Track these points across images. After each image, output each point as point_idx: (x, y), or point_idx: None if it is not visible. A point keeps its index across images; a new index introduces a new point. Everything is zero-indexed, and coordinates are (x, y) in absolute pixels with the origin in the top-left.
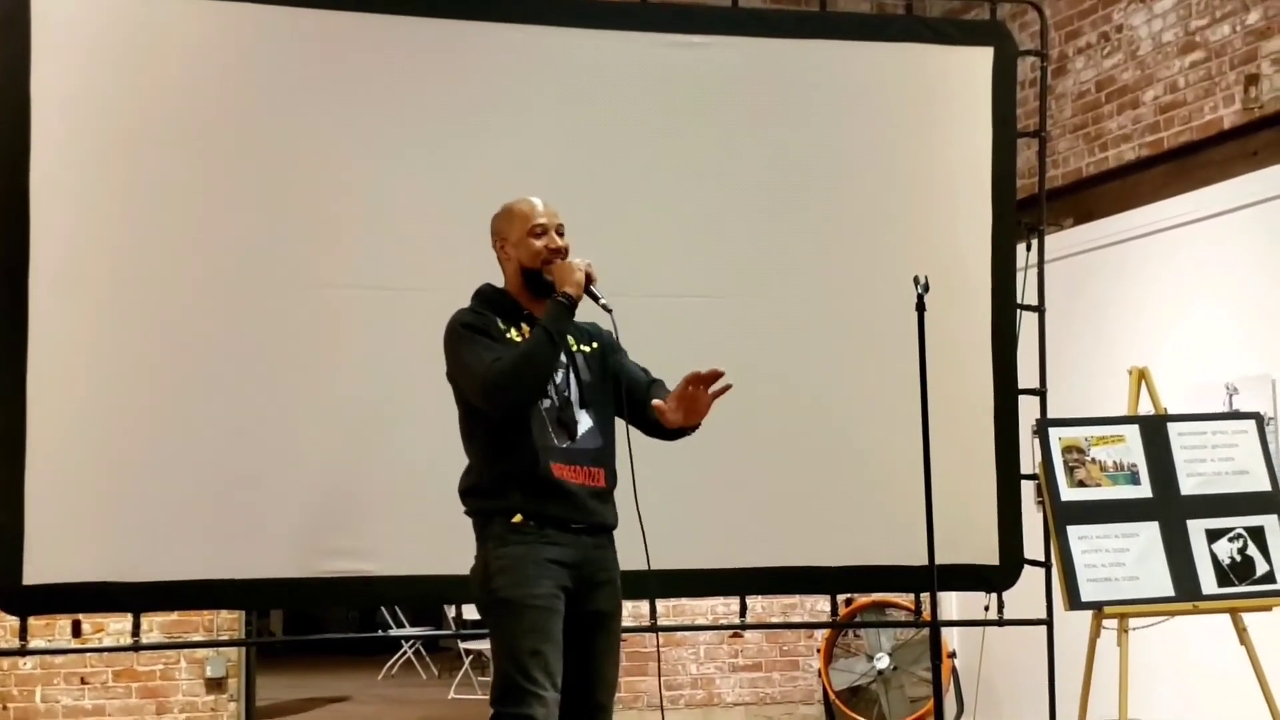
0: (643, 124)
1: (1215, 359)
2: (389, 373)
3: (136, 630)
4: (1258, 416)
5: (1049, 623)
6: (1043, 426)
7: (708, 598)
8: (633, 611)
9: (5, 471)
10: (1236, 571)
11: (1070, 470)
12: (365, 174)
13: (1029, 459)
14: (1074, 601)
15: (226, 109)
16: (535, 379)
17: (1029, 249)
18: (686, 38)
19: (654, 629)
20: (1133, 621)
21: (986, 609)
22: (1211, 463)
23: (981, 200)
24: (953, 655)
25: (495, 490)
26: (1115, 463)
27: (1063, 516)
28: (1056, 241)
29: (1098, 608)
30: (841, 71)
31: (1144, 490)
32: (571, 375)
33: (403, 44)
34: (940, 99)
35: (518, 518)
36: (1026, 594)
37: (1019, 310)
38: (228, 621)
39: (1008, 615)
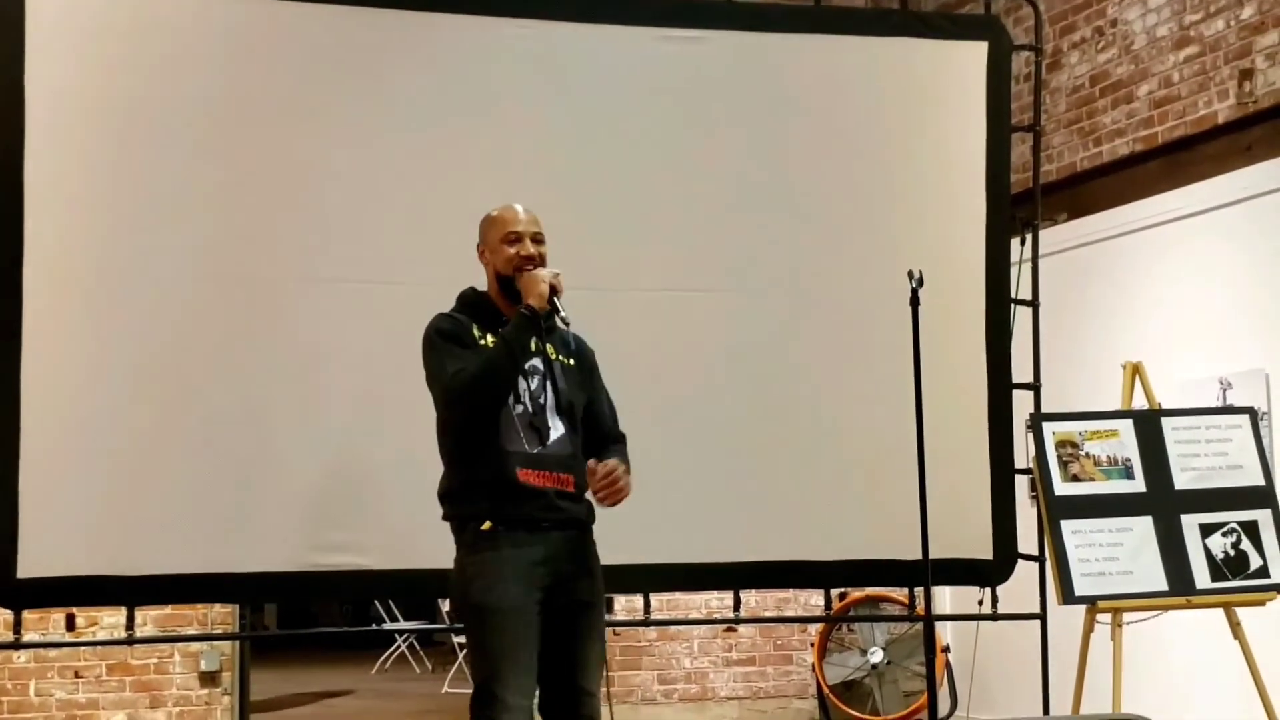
0: (635, 118)
1: (1209, 354)
2: (384, 367)
3: (131, 624)
4: (1251, 411)
5: (1043, 617)
6: (1037, 421)
7: (701, 592)
8: (626, 605)
9: None
10: (1230, 566)
11: (1064, 465)
12: (357, 168)
13: (1023, 453)
14: (1068, 596)
15: (220, 104)
16: (493, 392)
17: (1023, 243)
18: (679, 31)
19: (647, 623)
20: (1126, 616)
21: (980, 603)
22: (1205, 457)
23: (976, 195)
24: (946, 650)
25: (465, 497)
26: (1109, 457)
27: (1056, 511)
28: (1051, 236)
29: (1091, 602)
30: (835, 66)
31: (1138, 485)
32: (548, 382)
33: (392, 37)
34: (934, 93)
35: (487, 524)
36: (1020, 588)
37: (1013, 305)
38: (222, 615)
39: (1001, 610)
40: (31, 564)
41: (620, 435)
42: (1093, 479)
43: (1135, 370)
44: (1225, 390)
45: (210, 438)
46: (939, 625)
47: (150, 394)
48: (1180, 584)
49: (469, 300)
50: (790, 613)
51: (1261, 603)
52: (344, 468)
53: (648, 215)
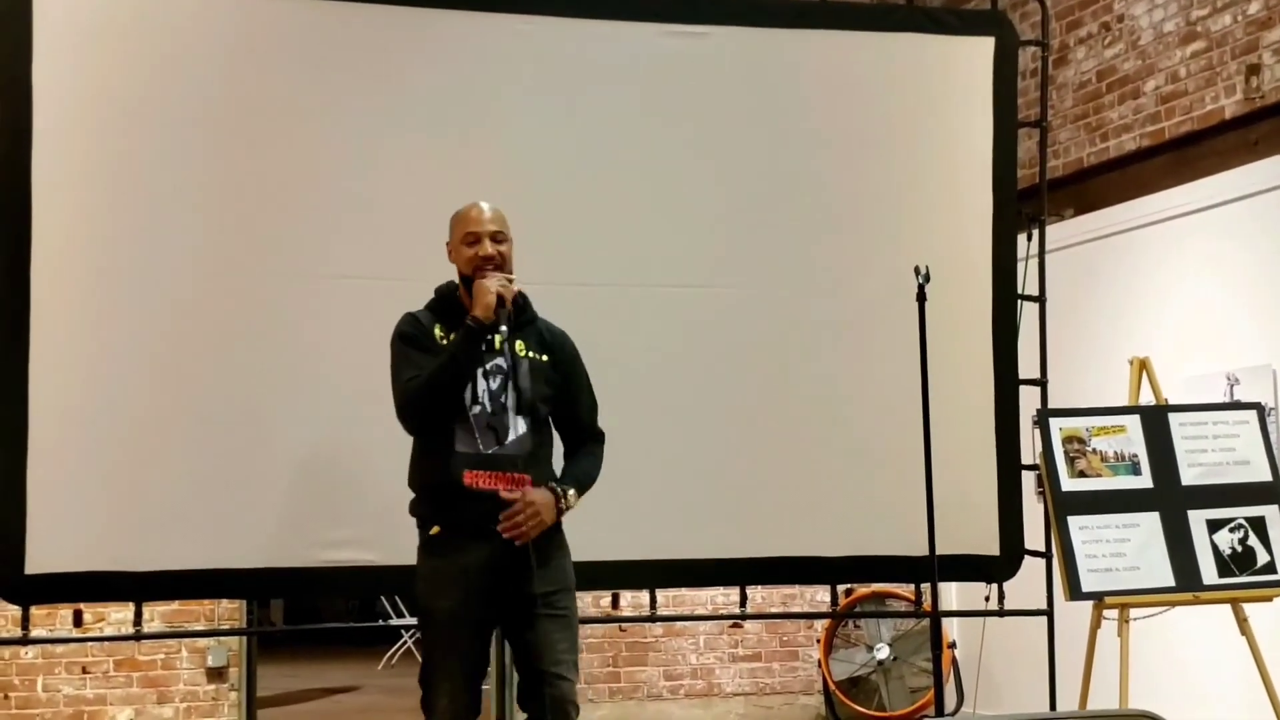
0: (641, 114)
1: (1216, 349)
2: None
3: (138, 619)
4: (1259, 407)
5: (1049, 613)
6: (1043, 417)
7: (707, 588)
8: (632, 601)
9: (7, 461)
10: (1237, 562)
11: (1071, 460)
12: (361, 164)
13: (1029, 449)
14: (1074, 592)
15: (222, 100)
16: (438, 404)
17: (1030, 239)
18: (685, 27)
19: (653, 619)
20: (1133, 612)
21: (987, 599)
22: (1212, 453)
23: (982, 190)
24: (953, 646)
25: (419, 498)
26: (1116, 453)
27: (1063, 507)
28: (1057, 232)
29: (1098, 598)
30: (841, 61)
31: (1145, 481)
32: (509, 382)
33: (396, 34)
34: (941, 89)
35: (435, 529)
36: (1027, 584)
37: (1020, 300)
38: (229, 611)
39: (1008, 606)
40: (39, 560)
41: (597, 434)
42: (1099, 475)
43: (1142, 366)
44: (1232, 386)
45: (216, 434)
46: (945, 621)
47: (157, 391)
48: (1187, 580)
49: (441, 295)
50: (796, 609)
51: (1268, 598)
52: (347, 464)
53: (653, 212)
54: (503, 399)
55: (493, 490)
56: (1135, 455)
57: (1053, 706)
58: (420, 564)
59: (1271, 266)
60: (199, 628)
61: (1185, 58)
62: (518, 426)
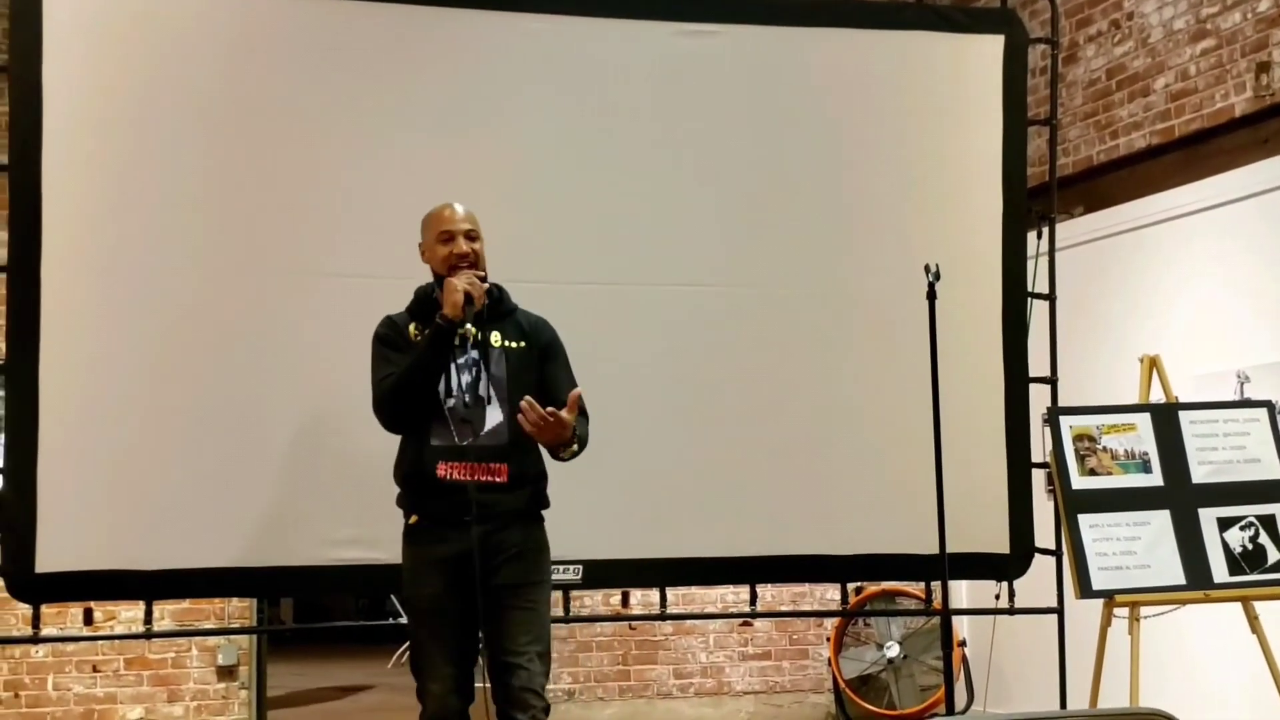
0: (652, 113)
1: (1226, 347)
2: None
3: (148, 618)
4: (1269, 405)
5: (1060, 611)
6: (1054, 415)
7: (717, 586)
8: (642, 600)
9: (17, 460)
10: (1248, 560)
11: (1081, 459)
12: (366, 163)
13: (1040, 447)
14: (1085, 590)
15: (229, 98)
16: (411, 400)
17: (1040, 237)
18: (696, 26)
19: (664, 617)
20: (1144, 610)
21: (997, 597)
22: (1223, 451)
23: (992, 188)
24: (963, 644)
25: (401, 490)
26: (1126, 451)
27: (1074, 505)
28: (1067, 229)
29: (1109, 596)
30: (852, 59)
31: (1155, 478)
32: (484, 372)
33: (404, 33)
34: (951, 87)
35: (413, 519)
36: (1037, 582)
37: (1030, 298)
38: (239, 610)
39: (1018, 604)
40: (49, 559)
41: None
42: (1110, 473)
43: (1152, 364)
44: (1243, 384)
45: (224, 433)
46: (955, 619)
47: (166, 391)
48: (1198, 578)
49: (419, 296)
50: (806, 607)
51: (1279, 596)
52: (354, 462)
53: (664, 211)
54: (478, 389)
55: (465, 481)
56: (1146, 453)
57: (1063, 705)
58: (404, 553)
59: None
60: (209, 626)
61: (1195, 55)
62: (494, 417)
